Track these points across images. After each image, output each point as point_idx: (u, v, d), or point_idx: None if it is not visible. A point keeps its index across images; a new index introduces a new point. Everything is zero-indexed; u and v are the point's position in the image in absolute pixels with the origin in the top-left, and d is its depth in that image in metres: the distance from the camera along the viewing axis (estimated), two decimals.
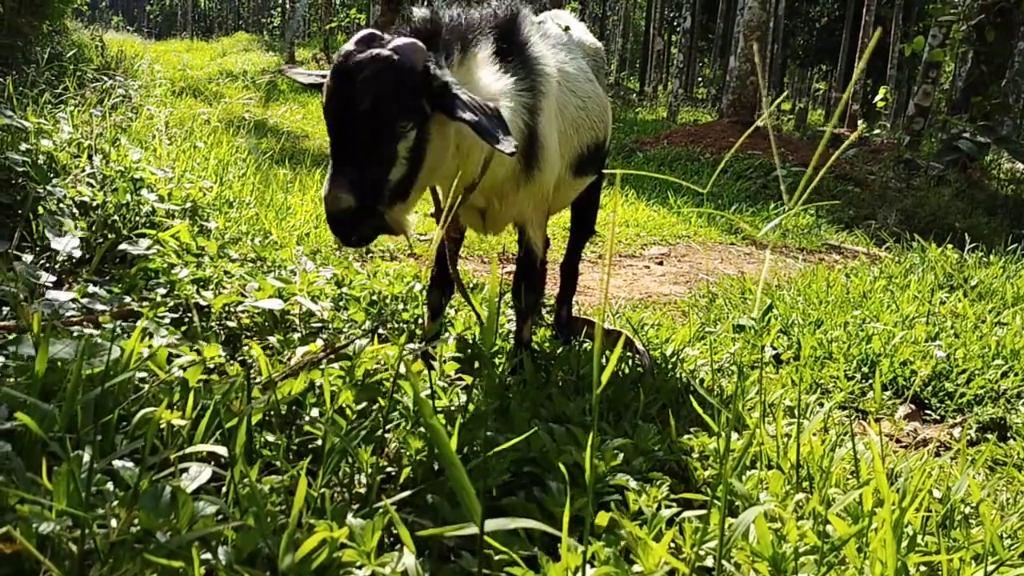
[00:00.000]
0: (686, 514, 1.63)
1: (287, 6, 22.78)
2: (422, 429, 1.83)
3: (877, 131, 17.96)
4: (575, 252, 3.51)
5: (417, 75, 2.03)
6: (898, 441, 3.08)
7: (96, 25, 20.14)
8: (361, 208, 2.01)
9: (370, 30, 2.16)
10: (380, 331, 2.87)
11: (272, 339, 2.49)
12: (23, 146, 3.25)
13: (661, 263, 6.39)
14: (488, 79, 2.32)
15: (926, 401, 3.45)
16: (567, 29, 3.02)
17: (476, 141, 2.17)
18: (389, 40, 2.09)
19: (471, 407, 2.04)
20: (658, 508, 1.70)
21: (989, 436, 3.10)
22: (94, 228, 3.07)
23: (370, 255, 4.88)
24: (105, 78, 7.08)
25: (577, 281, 3.56)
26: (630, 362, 2.92)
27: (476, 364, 2.42)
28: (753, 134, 11.88)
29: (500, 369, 2.47)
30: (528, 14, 2.66)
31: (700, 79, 41.61)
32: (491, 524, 1.05)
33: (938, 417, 3.34)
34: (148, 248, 2.84)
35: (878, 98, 13.53)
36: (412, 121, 2.05)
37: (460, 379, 2.40)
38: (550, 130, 2.53)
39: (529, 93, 2.41)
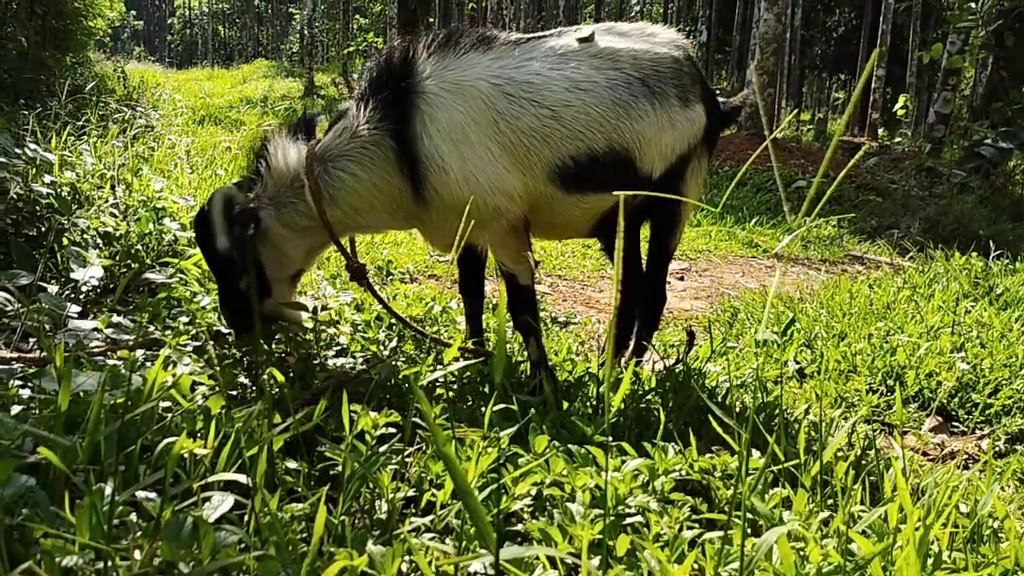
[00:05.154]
0: (708, 535, 1.62)
1: (305, 32, 23.05)
2: None
3: (898, 139, 17.84)
4: (652, 281, 3.22)
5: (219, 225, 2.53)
6: (925, 454, 3.04)
7: (118, 56, 20.52)
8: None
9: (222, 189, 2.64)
10: (399, 354, 2.88)
11: (293, 364, 2.50)
12: (47, 178, 3.30)
13: (682, 278, 6.37)
14: (328, 139, 2.62)
15: (952, 413, 3.40)
16: (586, 39, 2.77)
17: (298, 219, 2.60)
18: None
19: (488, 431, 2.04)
20: (680, 529, 1.69)
21: (1018, 447, 3.06)
22: (117, 258, 3.11)
23: (390, 277, 4.90)
24: (127, 108, 7.19)
25: (653, 312, 3.27)
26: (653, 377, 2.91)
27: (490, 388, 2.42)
28: (772, 146, 11.86)
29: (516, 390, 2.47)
30: (435, 39, 2.64)
31: (717, 92, 41.56)
32: (509, 552, 1.05)
33: (965, 429, 3.30)
34: (171, 277, 2.88)
35: (898, 106, 13.48)
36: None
37: (480, 401, 2.40)
38: (449, 149, 2.50)
39: (392, 122, 2.53)
